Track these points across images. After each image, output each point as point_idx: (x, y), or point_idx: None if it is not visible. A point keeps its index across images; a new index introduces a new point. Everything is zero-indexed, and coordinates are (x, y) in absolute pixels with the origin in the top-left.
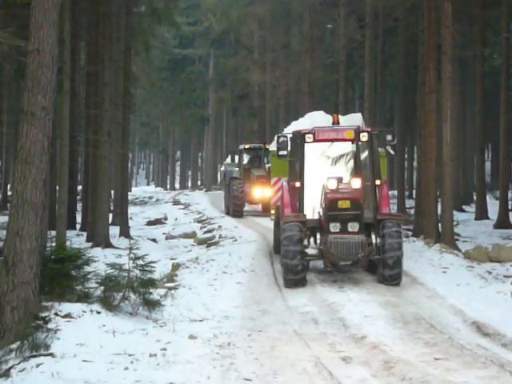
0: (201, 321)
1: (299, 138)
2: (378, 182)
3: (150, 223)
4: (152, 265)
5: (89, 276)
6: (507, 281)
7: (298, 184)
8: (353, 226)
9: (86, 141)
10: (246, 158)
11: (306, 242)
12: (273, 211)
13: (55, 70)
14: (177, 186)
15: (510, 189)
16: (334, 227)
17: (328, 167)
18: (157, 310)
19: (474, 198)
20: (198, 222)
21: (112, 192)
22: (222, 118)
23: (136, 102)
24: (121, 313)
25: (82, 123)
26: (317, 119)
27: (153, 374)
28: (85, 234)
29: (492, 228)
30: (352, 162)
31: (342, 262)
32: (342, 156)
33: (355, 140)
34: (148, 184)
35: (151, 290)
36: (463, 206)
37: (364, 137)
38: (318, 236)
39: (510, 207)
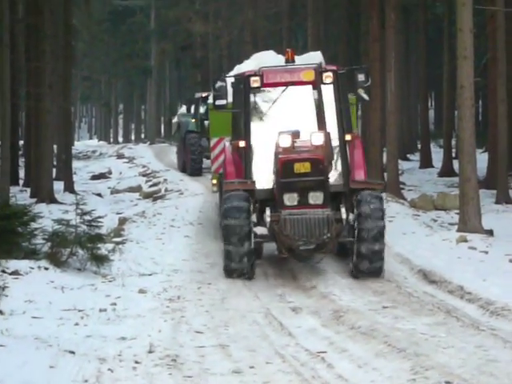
0: (150, 275)
1: (242, 82)
2: (348, 138)
3: (94, 177)
4: (99, 220)
5: (35, 232)
6: (452, 228)
7: (242, 143)
8: (315, 197)
9: (27, 94)
10: (202, 109)
11: (254, 218)
12: (214, 181)
13: None
14: (120, 139)
15: (454, 137)
16: (290, 199)
17: (281, 120)
18: (105, 265)
19: (419, 146)
20: (143, 175)
21: (55, 146)
22: (164, 69)
23: (77, 55)
24: (69, 269)
25: (23, 77)
26: (266, 61)
27: (103, 328)
28: (28, 189)
29: (436, 176)
30: (313, 112)
31: (301, 246)
32: (299, 105)
33: (316, 83)
34: (91, 138)
35: (99, 245)
36: (407, 155)
37: (328, 78)
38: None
39: (453, 155)
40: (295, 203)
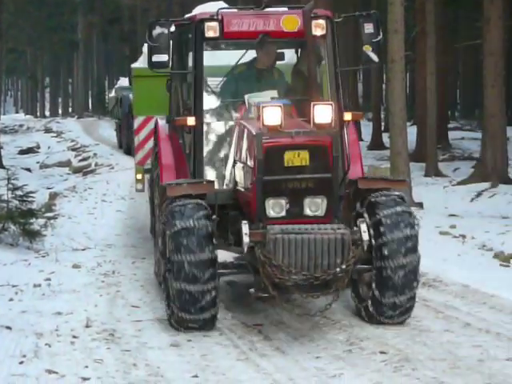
0: (83, 250)
1: (192, 30)
2: (348, 117)
3: (22, 152)
4: (31, 195)
5: None
6: None
7: (191, 120)
8: (314, 206)
9: None
10: None
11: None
12: (139, 175)
13: None
14: (47, 113)
15: (382, 110)
16: (275, 207)
17: (250, 88)
18: (38, 241)
19: None
20: (72, 149)
21: None
22: (92, 43)
23: (2, 26)
24: (1, 244)
25: None
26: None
27: (39, 303)
28: None
29: (366, 149)
30: (296, 78)
31: (298, 281)
32: (277, 68)
33: (303, 34)
34: (17, 112)
35: (31, 221)
36: None
37: (319, 28)
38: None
39: (382, 128)
40: (283, 214)
